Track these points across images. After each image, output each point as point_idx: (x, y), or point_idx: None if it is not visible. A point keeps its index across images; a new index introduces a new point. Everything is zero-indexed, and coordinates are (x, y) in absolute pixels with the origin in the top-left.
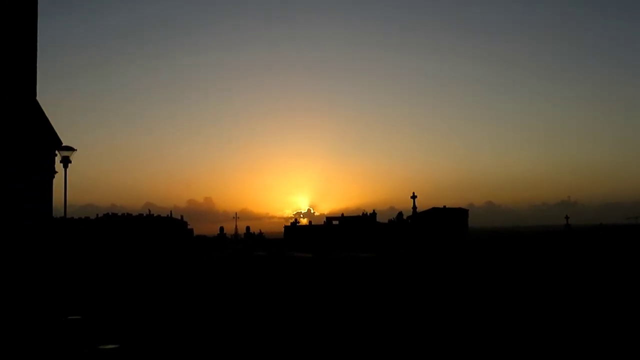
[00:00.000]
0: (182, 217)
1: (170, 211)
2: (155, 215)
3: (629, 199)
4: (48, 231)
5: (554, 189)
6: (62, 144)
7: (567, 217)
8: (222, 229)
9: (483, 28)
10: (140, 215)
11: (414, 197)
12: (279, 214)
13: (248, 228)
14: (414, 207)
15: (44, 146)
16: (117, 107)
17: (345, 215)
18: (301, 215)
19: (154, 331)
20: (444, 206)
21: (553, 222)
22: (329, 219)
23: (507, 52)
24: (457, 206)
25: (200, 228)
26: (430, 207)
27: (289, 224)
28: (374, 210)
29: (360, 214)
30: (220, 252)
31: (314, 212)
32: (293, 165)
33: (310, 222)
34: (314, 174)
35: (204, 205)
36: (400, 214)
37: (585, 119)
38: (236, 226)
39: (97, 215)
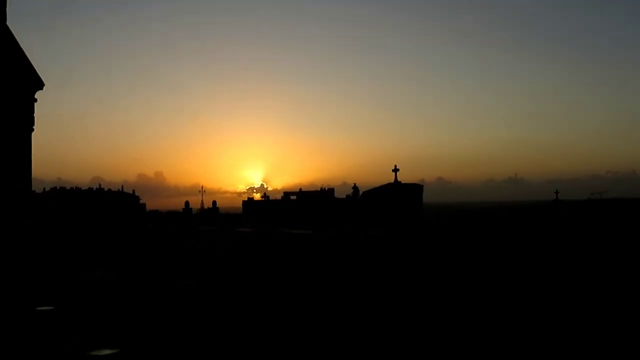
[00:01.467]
0: (133, 191)
1: (122, 185)
2: (105, 189)
3: (572, 176)
4: (28, 206)
5: (501, 165)
6: (43, 84)
7: (557, 192)
8: (187, 203)
9: (437, 3)
10: (90, 189)
11: (395, 170)
12: (231, 188)
13: (214, 202)
14: (396, 180)
15: (20, 86)
16: (61, 75)
17: (302, 190)
18: (254, 190)
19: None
20: (399, 182)
21: (500, 198)
22: (287, 194)
23: (460, 30)
24: (410, 182)
25: (152, 203)
26: (386, 182)
27: (246, 199)
28: (334, 188)
29: (319, 189)
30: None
31: (267, 187)
32: (245, 139)
33: (268, 196)
34: (266, 148)
35: (154, 180)
36: (355, 188)
37: (532, 99)
38: (202, 200)
39: (44, 189)
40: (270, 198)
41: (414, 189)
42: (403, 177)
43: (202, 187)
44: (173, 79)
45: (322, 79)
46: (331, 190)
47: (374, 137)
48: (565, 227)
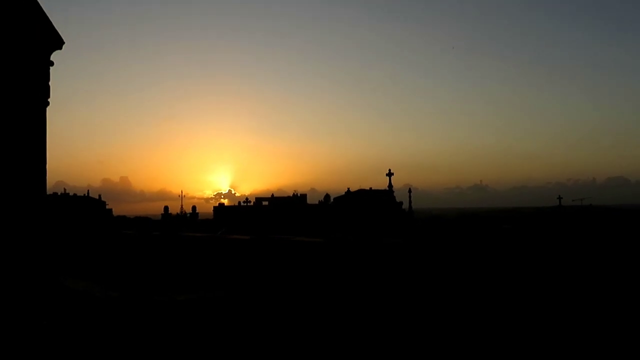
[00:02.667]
0: (99, 196)
1: (87, 190)
2: (70, 194)
3: (535, 184)
4: (42, 198)
5: (467, 173)
6: (63, 42)
7: (559, 198)
8: (166, 208)
9: (403, 8)
10: (55, 194)
11: (389, 174)
12: (198, 194)
13: (194, 208)
14: (390, 185)
15: (31, 43)
16: None
17: (274, 196)
18: (222, 196)
19: None
20: (370, 188)
21: (467, 205)
22: (259, 199)
23: (430, 37)
24: (378, 188)
25: (118, 208)
26: (357, 188)
27: (217, 205)
28: (306, 194)
29: (292, 195)
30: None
31: (235, 193)
32: (212, 145)
33: (239, 202)
34: (233, 154)
35: (119, 185)
36: (327, 195)
37: (499, 107)
38: (182, 205)
39: None
40: (233, 204)
41: (384, 195)
42: (370, 184)
43: (181, 191)
44: (140, 80)
45: (292, 85)
46: (303, 197)
47: (341, 144)
48: (587, 231)
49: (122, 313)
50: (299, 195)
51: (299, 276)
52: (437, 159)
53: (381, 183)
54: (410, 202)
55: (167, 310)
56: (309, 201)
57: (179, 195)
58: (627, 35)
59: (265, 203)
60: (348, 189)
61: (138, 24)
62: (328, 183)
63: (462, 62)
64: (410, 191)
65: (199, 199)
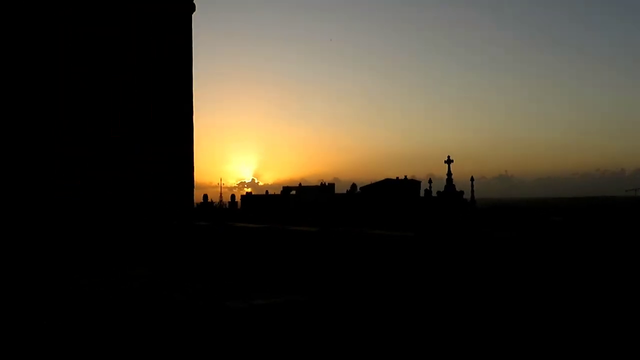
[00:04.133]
0: None
1: None
2: None
3: (561, 174)
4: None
5: (492, 163)
6: (194, 6)
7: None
8: (206, 196)
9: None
10: None
11: (449, 161)
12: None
13: (233, 196)
14: (449, 173)
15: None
16: None
17: (302, 185)
18: (245, 185)
19: None
20: (397, 177)
21: (492, 195)
22: (286, 188)
23: (445, 25)
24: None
25: None
26: (384, 178)
27: (245, 194)
28: (334, 184)
29: (319, 184)
30: None
31: (258, 182)
32: (233, 133)
33: (267, 191)
34: (256, 143)
35: None
36: (353, 185)
37: (522, 97)
38: (221, 193)
39: None
40: (257, 193)
41: (412, 185)
42: (392, 174)
43: (220, 179)
44: None
45: (312, 75)
46: (331, 186)
47: (365, 134)
48: None
49: (193, 321)
50: (326, 184)
51: (387, 277)
52: (460, 149)
53: (401, 174)
54: (472, 192)
55: (246, 319)
56: (339, 190)
57: (218, 184)
58: None
59: (292, 192)
60: (405, 176)
61: None
62: (353, 173)
63: (481, 52)
64: (472, 179)
65: (223, 187)
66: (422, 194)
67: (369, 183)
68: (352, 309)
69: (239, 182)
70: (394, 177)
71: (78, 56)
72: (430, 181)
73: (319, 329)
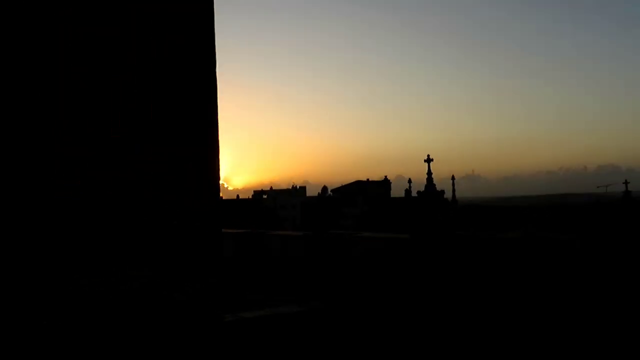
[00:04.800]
0: None
1: None
2: None
3: (526, 172)
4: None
5: (459, 163)
6: None
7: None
8: None
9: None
10: None
11: (428, 160)
12: None
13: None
14: (429, 172)
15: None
16: None
17: (273, 189)
18: None
19: None
20: (367, 179)
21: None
22: (257, 192)
23: (413, 28)
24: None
25: None
26: (355, 179)
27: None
28: (305, 187)
29: (290, 187)
30: None
31: (228, 187)
32: None
33: (237, 196)
34: (225, 147)
35: None
36: (324, 187)
37: (486, 97)
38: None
39: None
40: (227, 198)
41: (382, 185)
42: (361, 175)
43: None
44: None
45: (281, 77)
46: (302, 189)
47: (334, 136)
48: None
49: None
50: (297, 187)
51: (380, 279)
52: (429, 150)
53: (372, 175)
54: (453, 191)
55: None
56: (307, 194)
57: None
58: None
59: (264, 197)
60: (386, 176)
61: None
62: (324, 175)
63: (449, 54)
64: (453, 179)
65: None
66: (398, 194)
67: (340, 185)
68: (357, 313)
69: None
70: (365, 179)
71: (78, 55)
72: (409, 181)
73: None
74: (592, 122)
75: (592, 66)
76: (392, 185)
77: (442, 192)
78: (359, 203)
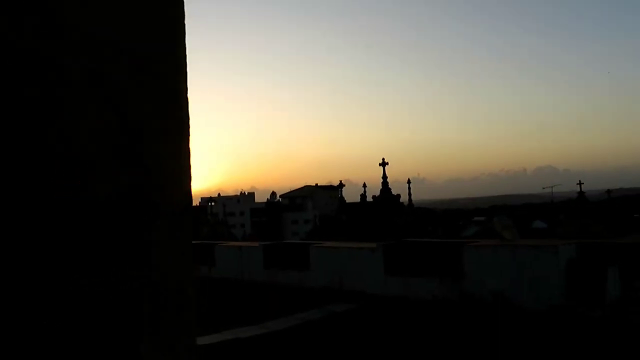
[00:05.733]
0: None
1: None
2: None
3: (468, 175)
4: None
5: (403, 166)
6: None
7: (580, 183)
8: None
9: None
10: None
11: (383, 164)
12: None
13: None
14: (384, 176)
15: None
16: None
17: (221, 195)
18: None
19: None
20: (316, 184)
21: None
22: (204, 199)
23: (361, 30)
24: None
25: None
26: (303, 184)
27: None
28: (254, 192)
29: (239, 193)
30: None
31: None
32: None
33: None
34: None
35: None
36: (273, 193)
37: (425, 100)
38: None
39: None
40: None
41: (334, 189)
42: (311, 181)
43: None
44: None
45: (226, 77)
46: (251, 195)
47: (282, 140)
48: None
49: None
50: (246, 193)
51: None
52: (373, 153)
53: (321, 180)
54: (409, 195)
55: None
56: (256, 199)
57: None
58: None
59: (212, 204)
60: (340, 181)
61: None
62: (271, 181)
63: (391, 56)
64: (409, 182)
65: None
66: (349, 199)
67: (289, 190)
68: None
69: None
70: (313, 184)
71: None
72: (364, 185)
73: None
74: (530, 123)
75: (527, 67)
76: (343, 190)
77: (399, 195)
78: (308, 208)
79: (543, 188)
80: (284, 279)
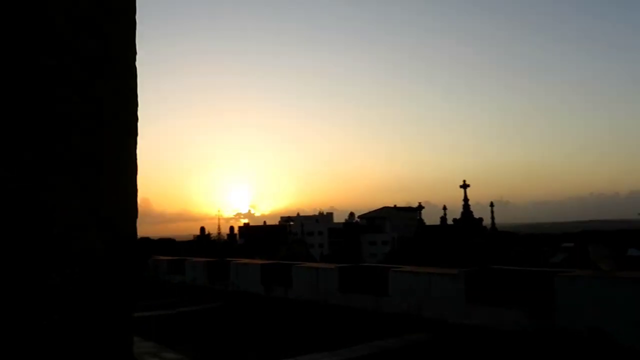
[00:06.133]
0: None
1: None
2: None
3: (555, 198)
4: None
5: (486, 189)
6: None
7: None
8: (202, 229)
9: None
10: None
11: (464, 186)
12: (217, 214)
13: (232, 228)
14: (466, 199)
15: None
16: None
17: (300, 214)
18: (241, 216)
19: None
20: (395, 205)
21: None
22: (285, 219)
23: (446, 52)
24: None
25: (140, 230)
26: (382, 206)
27: (242, 225)
28: (332, 213)
29: (317, 214)
30: None
31: (254, 213)
32: (229, 163)
33: (265, 222)
34: (251, 173)
35: (141, 207)
36: (351, 213)
37: (513, 122)
38: (219, 226)
39: None
40: (254, 224)
41: (413, 211)
42: (399, 201)
43: (218, 211)
44: (155, 106)
45: (306, 102)
46: (329, 215)
47: (361, 162)
48: None
49: None
50: (324, 213)
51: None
52: (454, 175)
53: (393, 201)
54: (492, 218)
55: None
56: (334, 220)
57: (214, 215)
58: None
59: (291, 223)
60: (420, 203)
61: (146, 51)
62: (350, 201)
63: (474, 78)
64: (492, 205)
65: (219, 219)
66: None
67: (367, 211)
68: None
69: (235, 213)
70: (392, 205)
71: None
72: (444, 207)
73: None
74: (623, 145)
75: (619, 87)
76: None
77: (481, 219)
78: (387, 229)
79: (638, 214)
80: (360, 303)
